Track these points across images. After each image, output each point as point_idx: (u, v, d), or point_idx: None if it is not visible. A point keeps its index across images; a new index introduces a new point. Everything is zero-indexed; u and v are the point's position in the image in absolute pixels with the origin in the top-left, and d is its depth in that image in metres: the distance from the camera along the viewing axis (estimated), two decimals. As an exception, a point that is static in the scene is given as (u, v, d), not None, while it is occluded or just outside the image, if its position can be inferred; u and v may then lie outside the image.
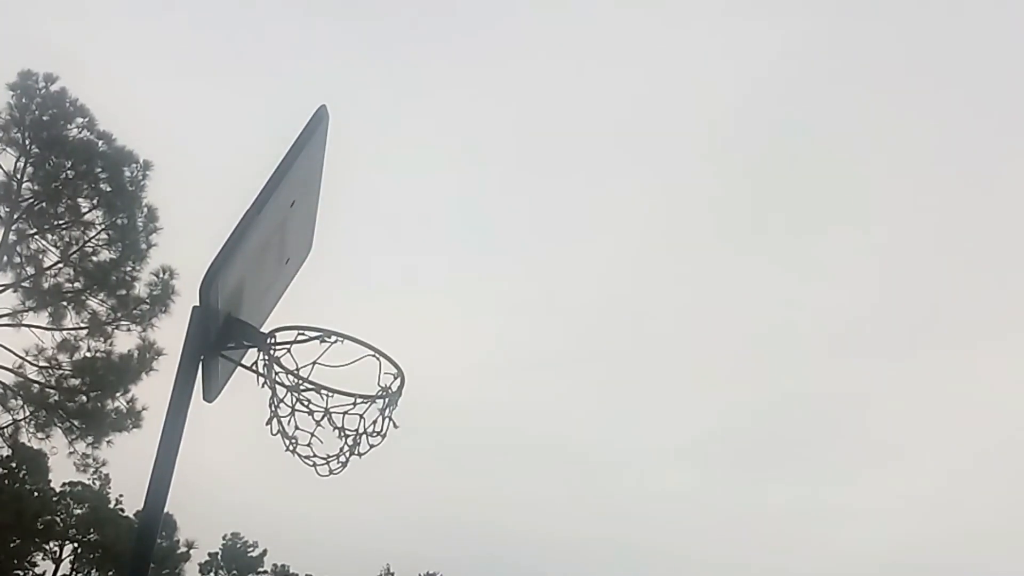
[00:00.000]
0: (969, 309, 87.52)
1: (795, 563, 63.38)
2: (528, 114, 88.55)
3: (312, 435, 3.65)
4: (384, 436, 3.72)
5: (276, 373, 3.62)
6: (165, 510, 3.37)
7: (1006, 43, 77.84)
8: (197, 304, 3.36)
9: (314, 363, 3.54)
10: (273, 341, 3.65)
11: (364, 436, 3.69)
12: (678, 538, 68.40)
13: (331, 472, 3.71)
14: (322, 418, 3.60)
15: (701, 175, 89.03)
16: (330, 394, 3.56)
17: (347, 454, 3.69)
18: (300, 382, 3.55)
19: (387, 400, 3.70)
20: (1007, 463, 76.81)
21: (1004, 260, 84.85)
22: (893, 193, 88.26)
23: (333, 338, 3.56)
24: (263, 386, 3.64)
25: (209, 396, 3.75)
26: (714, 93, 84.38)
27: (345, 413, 3.64)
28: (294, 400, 3.60)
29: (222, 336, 3.60)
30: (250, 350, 3.75)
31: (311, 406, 3.57)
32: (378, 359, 3.63)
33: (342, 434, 3.66)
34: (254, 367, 3.68)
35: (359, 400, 3.64)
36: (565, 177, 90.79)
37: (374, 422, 3.70)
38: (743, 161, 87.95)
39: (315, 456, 3.69)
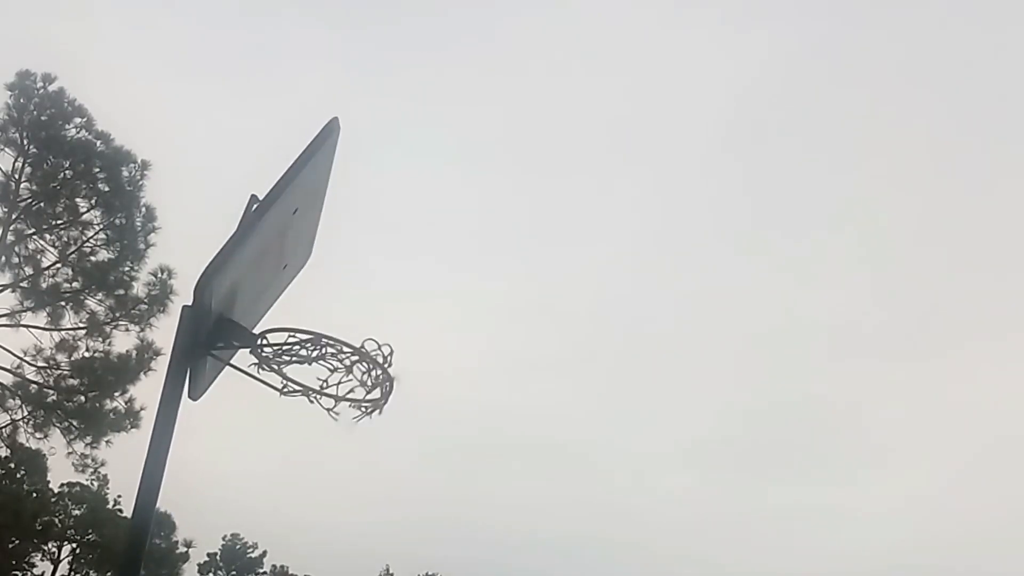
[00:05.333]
0: (966, 311, 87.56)
1: (794, 563, 63.31)
2: (525, 119, 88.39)
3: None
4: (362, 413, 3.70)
5: (265, 373, 3.63)
6: (162, 509, 3.40)
7: (1000, 45, 77.91)
8: (189, 303, 3.38)
9: (309, 362, 3.56)
10: (264, 343, 3.66)
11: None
12: (678, 539, 68.37)
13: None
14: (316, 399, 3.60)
15: (697, 177, 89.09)
16: (319, 396, 3.57)
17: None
18: (287, 383, 3.56)
19: (376, 404, 3.70)
20: (1005, 464, 76.86)
21: (1001, 262, 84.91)
22: (889, 195, 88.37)
23: (323, 341, 3.57)
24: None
25: (194, 394, 3.76)
26: (710, 95, 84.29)
27: (332, 407, 3.64)
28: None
29: (212, 336, 3.61)
30: (243, 352, 3.77)
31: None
32: (368, 364, 3.64)
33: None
34: (247, 369, 3.70)
35: (349, 405, 3.65)
36: (563, 180, 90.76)
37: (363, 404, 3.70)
38: (739, 163, 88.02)
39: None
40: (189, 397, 3.67)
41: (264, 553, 55.10)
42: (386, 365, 3.62)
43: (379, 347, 3.65)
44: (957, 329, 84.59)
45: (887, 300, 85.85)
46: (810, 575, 67.26)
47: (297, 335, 3.57)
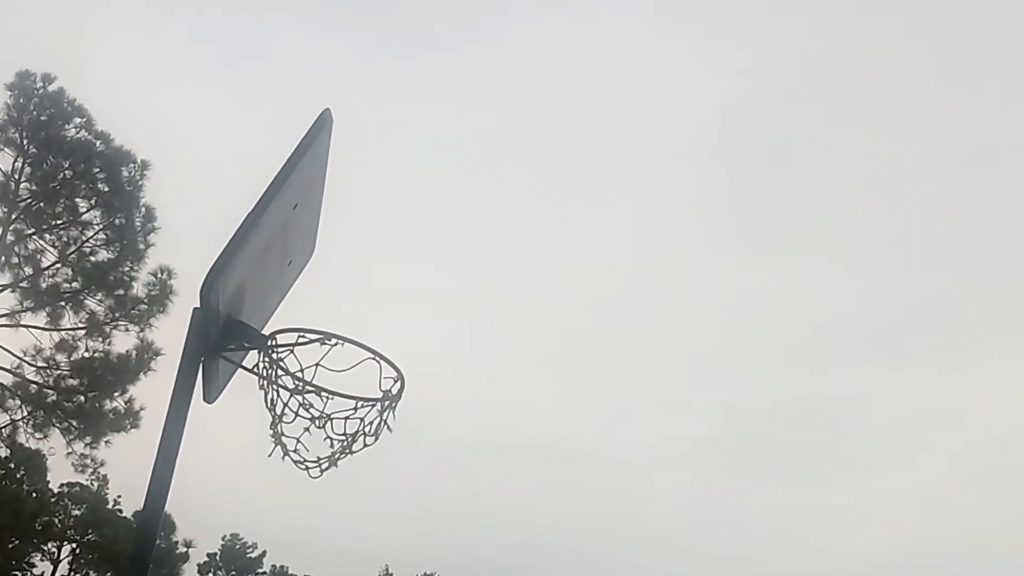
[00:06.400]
0: (966, 311, 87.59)
1: (794, 563, 63.39)
2: (521, 122, 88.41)
3: (298, 440, 3.66)
4: (377, 437, 3.72)
5: (277, 376, 3.61)
6: (164, 510, 3.38)
7: (998, 49, 77.94)
8: (198, 305, 3.36)
9: (316, 365, 3.53)
10: (274, 343, 3.64)
11: (362, 438, 3.68)
12: (678, 539, 68.37)
13: (322, 472, 3.71)
14: (323, 423, 3.59)
15: (694, 180, 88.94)
16: (331, 396, 3.55)
17: (339, 454, 3.68)
18: (300, 384, 3.54)
19: (388, 403, 3.69)
20: (1004, 464, 76.92)
21: (1000, 262, 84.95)
22: (888, 196, 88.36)
23: (333, 340, 3.55)
24: (261, 387, 3.63)
25: (209, 397, 3.74)
26: (702, 101, 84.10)
27: (348, 417, 3.63)
28: (297, 404, 3.60)
29: (223, 337, 3.59)
30: (251, 352, 3.75)
31: (312, 410, 3.57)
32: (378, 362, 3.62)
33: (336, 439, 3.65)
34: (255, 369, 3.68)
35: (360, 404, 3.63)
36: (558, 184, 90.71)
37: (371, 423, 3.70)
38: (736, 165, 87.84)
39: (306, 461, 3.69)
40: (204, 400, 3.65)
41: (264, 553, 55.05)
42: (396, 364, 3.61)
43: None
44: (956, 329, 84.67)
45: (884, 301, 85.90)
46: (810, 573, 67.32)
47: (307, 335, 3.56)
